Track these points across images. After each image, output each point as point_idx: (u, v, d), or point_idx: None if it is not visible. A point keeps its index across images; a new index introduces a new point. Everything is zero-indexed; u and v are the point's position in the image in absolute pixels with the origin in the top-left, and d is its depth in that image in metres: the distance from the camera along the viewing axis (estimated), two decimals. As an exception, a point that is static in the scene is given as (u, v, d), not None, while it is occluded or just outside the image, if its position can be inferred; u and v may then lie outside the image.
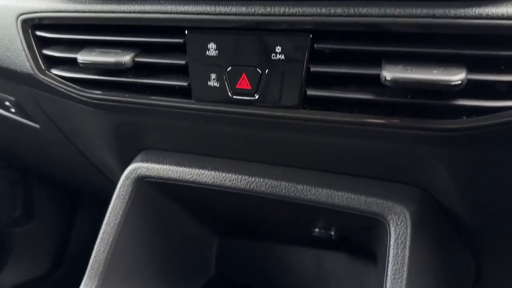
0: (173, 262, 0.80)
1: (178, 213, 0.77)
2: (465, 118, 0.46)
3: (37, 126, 0.90)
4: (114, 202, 0.69)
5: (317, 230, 0.68)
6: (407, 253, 0.55)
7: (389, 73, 0.44)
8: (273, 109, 0.53)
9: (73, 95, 0.64)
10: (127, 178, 0.69)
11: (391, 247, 0.55)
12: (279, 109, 0.52)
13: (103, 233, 0.68)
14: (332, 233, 0.67)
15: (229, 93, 0.53)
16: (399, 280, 0.54)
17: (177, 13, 0.53)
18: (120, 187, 0.69)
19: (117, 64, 0.56)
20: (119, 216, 0.68)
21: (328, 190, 0.59)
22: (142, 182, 0.69)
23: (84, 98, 0.63)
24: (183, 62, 0.54)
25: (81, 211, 1.81)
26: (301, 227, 0.70)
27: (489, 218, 0.59)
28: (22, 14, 0.62)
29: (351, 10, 0.46)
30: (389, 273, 0.55)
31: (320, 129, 0.53)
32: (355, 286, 0.74)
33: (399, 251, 0.55)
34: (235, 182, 0.64)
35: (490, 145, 0.48)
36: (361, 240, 0.67)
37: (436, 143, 0.49)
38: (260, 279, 0.83)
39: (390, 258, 0.55)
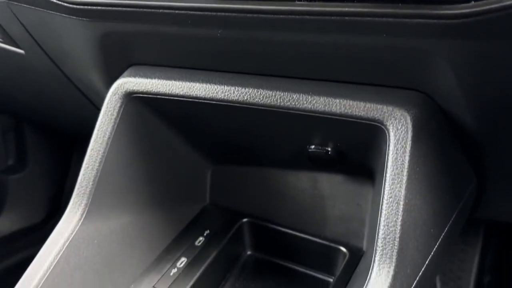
0: (165, 187, 0.78)
1: (169, 135, 0.74)
2: (473, 2, 0.43)
3: (22, 52, 0.87)
4: (101, 119, 0.66)
5: (313, 147, 0.66)
6: (407, 158, 0.52)
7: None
8: (267, 2, 0.49)
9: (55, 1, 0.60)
10: (114, 93, 0.66)
11: (390, 152, 0.53)
12: (273, 1, 0.49)
13: (91, 150, 0.66)
14: (329, 149, 0.65)
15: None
16: (398, 186, 0.52)
17: None
18: (107, 103, 0.66)
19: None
20: (107, 133, 0.66)
21: (325, 98, 0.56)
22: (130, 98, 0.66)
23: (66, 4, 0.59)
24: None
25: (76, 157, 1.79)
26: (297, 145, 0.68)
27: (494, 126, 0.57)
28: None
29: None
30: (387, 179, 0.53)
31: (317, 25, 0.50)
32: (352, 206, 0.72)
33: (399, 156, 0.53)
34: (227, 94, 0.61)
35: (499, 36, 0.45)
36: (358, 156, 0.64)
37: (441, 34, 0.46)
38: (256, 204, 0.81)
39: (389, 164, 0.53)
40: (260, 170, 0.80)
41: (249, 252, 0.83)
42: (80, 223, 0.64)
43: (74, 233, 0.63)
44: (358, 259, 0.70)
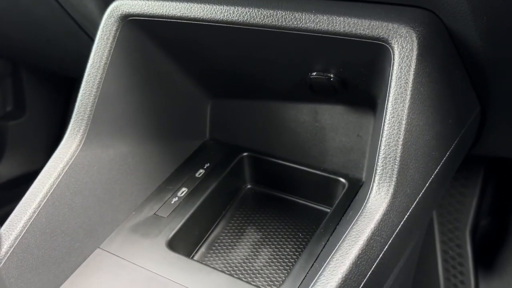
0: (165, 120, 0.78)
1: (167, 64, 0.72)
2: None
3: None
4: (97, 43, 0.64)
5: (314, 73, 0.64)
6: (411, 77, 0.51)
7: None
8: None
9: None
10: (109, 16, 0.64)
11: (394, 71, 0.52)
12: None
13: (87, 75, 0.64)
14: (331, 75, 0.63)
15: None
16: (401, 105, 0.51)
17: None
18: (103, 27, 0.64)
19: None
20: (103, 57, 0.64)
21: (329, 16, 0.54)
22: (126, 21, 0.64)
23: None
24: None
25: (74, 101, 1.78)
26: (298, 72, 0.66)
27: (500, 46, 0.55)
28: None
29: None
30: (390, 98, 0.52)
31: None
32: (353, 138, 0.72)
33: (403, 74, 0.51)
34: (226, 14, 0.59)
35: None
36: (361, 82, 0.63)
37: None
38: (256, 138, 0.81)
39: (393, 83, 0.52)
40: (260, 103, 0.79)
41: (249, 186, 0.83)
42: (79, 149, 0.63)
43: (73, 158, 0.62)
44: (357, 189, 0.70)
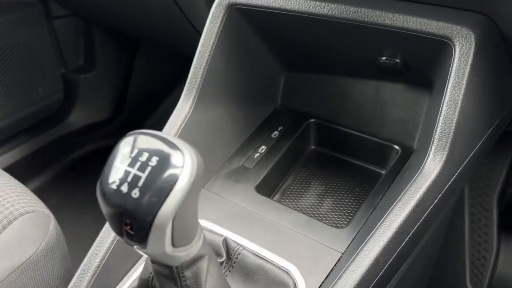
0: (248, 89, 0.93)
1: (257, 44, 0.87)
2: None
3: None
4: (207, 26, 0.79)
5: (384, 58, 0.78)
6: (467, 70, 0.65)
7: None
8: None
9: None
10: (218, 5, 0.79)
11: (455, 64, 0.65)
12: None
13: (199, 52, 0.80)
14: (398, 60, 0.77)
15: None
16: (458, 92, 0.65)
17: None
18: (213, 13, 0.79)
19: None
20: (212, 38, 0.79)
21: (404, 16, 0.68)
22: (232, 9, 0.78)
23: None
24: None
25: (138, 61, 1.94)
26: (369, 57, 0.80)
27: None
28: None
29: None
30: (449, 86, 0.66)
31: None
32: (408, 112, 0.86)
33: (461, 68, 0.65)
34: (318, 8, 0.73)
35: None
36: (423, 68, 0.77)
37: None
38: (322, 107, 0.96)
39: (452, 74, 0.65)
40: (328, 77, 0.94)
41: (313, 147, 0.99)
42: (190, 111, 0.80)
43: (187, 118, 0.79)
44: (408, 155, 0.85)
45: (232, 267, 0.69)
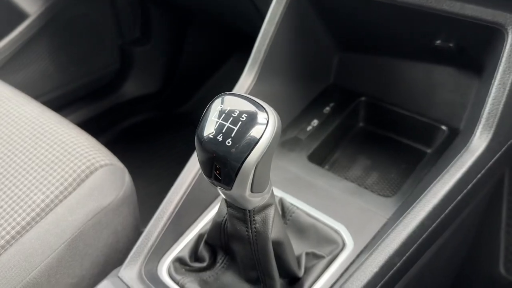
0: (303, 65, 1.00)
1: (316, 24, 0.94)
2: None
3: None
4: (274, 5, 0.86)
5: (439, 41, 0.83)
6: (519, 56, 0.69)
7: None
8: None
9: None
10: (285, -14, 0.85)
11: (506, 50, 0.70)
12: None
13: (264, 30, 0.87)
14: (452, 44, 0.82)
15: None
16: (507, 75, 0.70)
17: None
18: (279, -5, 0.86)
19: None
20: (277, 17, 0.86)
21: (461, 3, 0.73)
22: (297, -10, 0.85)
23: None
24: None
25: (189, 36, 2.02)
26: (424, 40, 0.85)
27: None
28: None
29: None
30: (500, 70, 0.70)
31: None
32: (457, 94, 0.90)
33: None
34: (380, -8, 0.78)
35: None
36: (475, 52, 0.81)
37: None
38: (373, 87, 1.01)
39: (503, 59, 0.70)
40: (381, 59, 0.99)
41: (361, 124, 1.05)
42: (253, 84, 0.88)
43: (249, 89, 0.87)
44: (455, 136, 0.90)
45: (286, 224, 0.78)
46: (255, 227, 0.60)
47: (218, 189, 0.55)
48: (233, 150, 0.49)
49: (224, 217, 0.64)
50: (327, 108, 1.01)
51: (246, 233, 0.60)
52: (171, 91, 2.14)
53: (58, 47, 1.73)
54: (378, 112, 1.02)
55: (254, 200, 0.56)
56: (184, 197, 0.76)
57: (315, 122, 0.98)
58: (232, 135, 0.49)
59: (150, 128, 2.07)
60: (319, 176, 0.85)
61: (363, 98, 1.03)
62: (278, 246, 0.63)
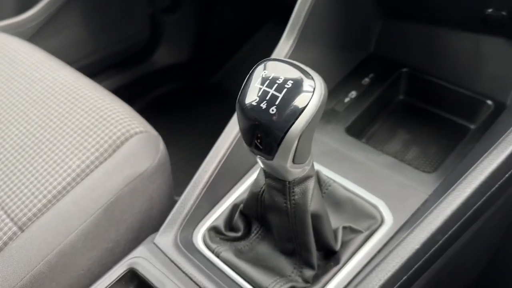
0: (342, 33, 0.96)
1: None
2: None
3: None
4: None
5: (490, 10, 0.78)
6: None
7: None
8: None
9: None
10: None
11: None
12: None
13: (302, -2, 0.83)
14: (504, 13, 0.77)
15: None
16: None
17: None
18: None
19: None
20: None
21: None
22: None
23: None
24: None
25: (221, 3, 1.98)
26: (474, 7, 0.80)
27: None
28: None
29: None
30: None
31: None
32: (505, 67, 0.85)
33: None
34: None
35: None
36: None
37: None
38: (416, 57, 0.97)
39: None
40: (426, 27, 0.94)
41: (401, 97, 1.01)
42: (291, 50, 0.84)
43: (287, 58, 0.84)
44: (501, 111, 0.85)
45: (322, 197, 0.76)
46: (293, 199, 0.58)
47: (258, 158, 0.53)
48: (277, 118, 0.47)
49: (261, 187, 0.63)
50: (366, 79, 0.97)
51: (284, 204, 0.59)
52: (201, 60, 2.12)
53: (91, 14, 1.72)
54: (419, 85, 0.98)
55: (295, 172, 0.54)
56: (220, 166, 0.75)
57: (353, 94, 0.94)
58: (277, 103, 0.47)
59: (181, 98, 2.07)
60: (357, 150, 0.83)
61: (404, 69, 0.98)
62: (316, 219, 0.62)
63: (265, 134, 0.48)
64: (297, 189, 0.57)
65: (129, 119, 0.88)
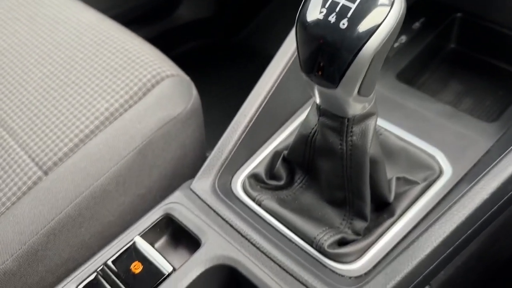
0: None
1: None
2: None
3: None
4: None
5: None
6: None
7: None
8: None
9: None
10: None
11: None
12: None
13: None
14: None
15: None
16: None
17: None
18: None
19: None
20: None
21: None
22: None
23: None
24: None
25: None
26: None
27: None
28: None
29: None
30: None
31: None
32: None
33: None
34: None
35: None
36: None
37: None
38: (471, 2, 0.87)
39: None
40: None
41: (453, 45, 0.92)
42: None
43: None
44: None
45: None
46: (351, 140, 0.52)
47: (316, 89, 0.47)
48: (348, 34, 0.40)
49: (312, 128, 0.57)
50: (417, 24, 0.89)
51: (340, 146, 0.53)
52: (226, 16, 2.04)
53: (113, -36, 1.65)
54: (474, 31, 0.89)
55: (357, 107, 0.48)
56: (260, 110, 0.69)
57: (402, 39, 0.86)
58: (349, 15, 0.39)
59: (204, 56, 2.00)
60: (410, 97, 0.75)
61: (458, 14, 0.89)
62: (372, 165, 0.55)
63: (330, 55, 0.41)
64: (356, 129, 0.51)
65: (160, 62, 0.81)
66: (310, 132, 0.57)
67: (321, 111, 0.52)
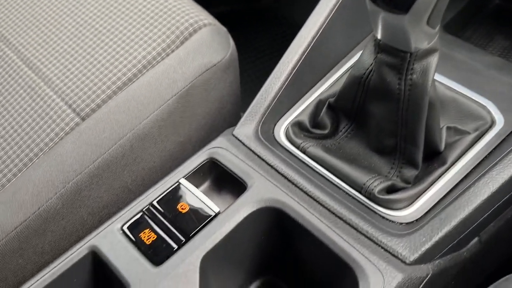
0: None
1: None
2: None
3: None
4: None
5: None
6: None
7: None
8: None
9: None
10: None
11: None
12: None
13: None
14: None
15: None
16: None
17: None
18: None
19: None
20: None
21: None
22: None
23: None
24: None
25: None
26: None
27: None
28: None
29: None
30: None
31: None
32: None
33: None
34: None
35: None
36: None
37: None
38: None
39: None
40: None
41: (498, 1, 0.88)
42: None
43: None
44: None
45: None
46: (411, 79, 0.49)
47: (380, 19, 0.44)
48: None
49: (366, 69, 0.54)
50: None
51: (398, 86, 0.50)
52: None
53: None
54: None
55: (422, 40, 0.45)
56: (303, 58, 0.66)
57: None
58: None
59: (230, 23, 1.95)
60: (459, 48, 0.72)
61: (506, -32, 0.85)
62: (429, 108, 0.53)
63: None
64: (417, 66, 0.49)
65: (196, 10, 0.79)
66: (364, 73, 0.55)
67: (380, 46, 0.49)
